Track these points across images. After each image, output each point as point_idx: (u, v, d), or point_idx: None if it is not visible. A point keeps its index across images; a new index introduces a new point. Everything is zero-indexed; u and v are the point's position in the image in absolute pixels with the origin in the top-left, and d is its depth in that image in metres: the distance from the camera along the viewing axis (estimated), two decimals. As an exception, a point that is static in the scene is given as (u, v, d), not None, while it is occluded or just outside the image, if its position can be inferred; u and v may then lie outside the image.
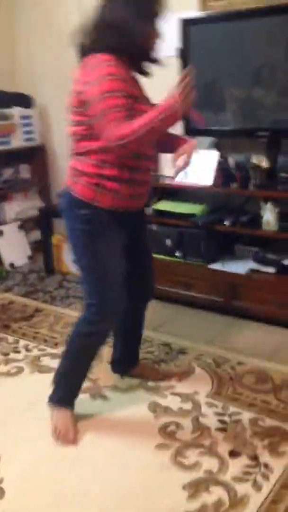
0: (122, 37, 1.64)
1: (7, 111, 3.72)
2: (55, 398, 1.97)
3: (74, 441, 1.89)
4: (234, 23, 2.73)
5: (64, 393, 1.97)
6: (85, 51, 1.70)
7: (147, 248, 2.07)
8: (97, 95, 1.59)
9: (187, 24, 2.81)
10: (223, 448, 1.84)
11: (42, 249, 3.64)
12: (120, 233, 1.83)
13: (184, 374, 2.29)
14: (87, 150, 1.73)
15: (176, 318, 2.94)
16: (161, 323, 2.85)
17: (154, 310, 3.02)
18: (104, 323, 1.89)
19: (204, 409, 2.08)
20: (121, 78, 1.63)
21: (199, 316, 2.93)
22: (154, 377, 2.27)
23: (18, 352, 2.54)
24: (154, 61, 1.76)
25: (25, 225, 3.86)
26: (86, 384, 2.24)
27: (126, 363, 2.27)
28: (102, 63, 1.62)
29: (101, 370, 2.32)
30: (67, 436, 1.90)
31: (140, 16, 1.64)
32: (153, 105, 1.71)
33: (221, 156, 2.91)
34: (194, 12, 2.93)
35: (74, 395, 1.98)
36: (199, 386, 2.23)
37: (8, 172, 3.85)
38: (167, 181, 3.13)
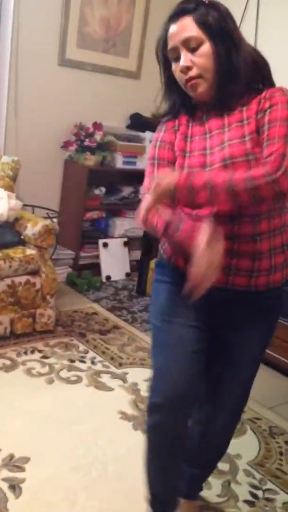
0: None
1: (140, 134, 3.93)
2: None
3: None
4: None
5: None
6: None
7: (244, 360, 1.46)
8: None
9: None
10: (245, 524, 1.74)
11: (139, 269, 3.74)
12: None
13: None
14: None
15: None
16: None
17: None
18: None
19: (240, 476, 1.97)
20: None
21: (273, 378, 2.79)
22: None
23: (84, 362, 2.64)
24: None
25: (130, 242, 4.00)
26: (133, 412, 2.27)
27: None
28: None
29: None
30: None
31: None
32: None
33: None
34: None
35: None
36: (244, 450, 2.12)
37: (127, 190, 4.02)
38: None
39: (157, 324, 1.43)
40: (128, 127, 4.06)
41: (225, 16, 1.32)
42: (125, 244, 4.00)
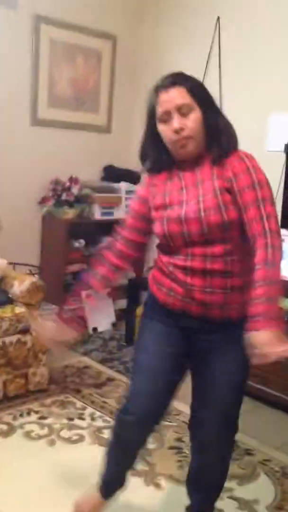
0: None
1: (115, 185, 4.00)
2: None
3: None
4: None
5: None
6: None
7: (213, 383, 1.64)
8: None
9: None
10: None
11: (125, 318, 3.71)
12: (168, 327, 1.65)
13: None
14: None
15: (249, 413, 2.78)
16: (231, 416, 2.72)
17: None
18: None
19: (262, 522, 1.92)
20: None
21: (274, 417, 2.76)
22: None
23: (83, 419, 2.55)
24: None
25: (113, 292, 3.97)
26: (141, 467, 2.19)
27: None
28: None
29: (159, 455, 2.24)
30: None
31: None
32: None
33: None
34: None
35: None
36: (261, 495, 2.07)
37: (107, 240, 4.04)
38: None
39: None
40: (102, 179, 4.13)
41: (205, 88, 1.58)
42: (109, 294, 3.97)
